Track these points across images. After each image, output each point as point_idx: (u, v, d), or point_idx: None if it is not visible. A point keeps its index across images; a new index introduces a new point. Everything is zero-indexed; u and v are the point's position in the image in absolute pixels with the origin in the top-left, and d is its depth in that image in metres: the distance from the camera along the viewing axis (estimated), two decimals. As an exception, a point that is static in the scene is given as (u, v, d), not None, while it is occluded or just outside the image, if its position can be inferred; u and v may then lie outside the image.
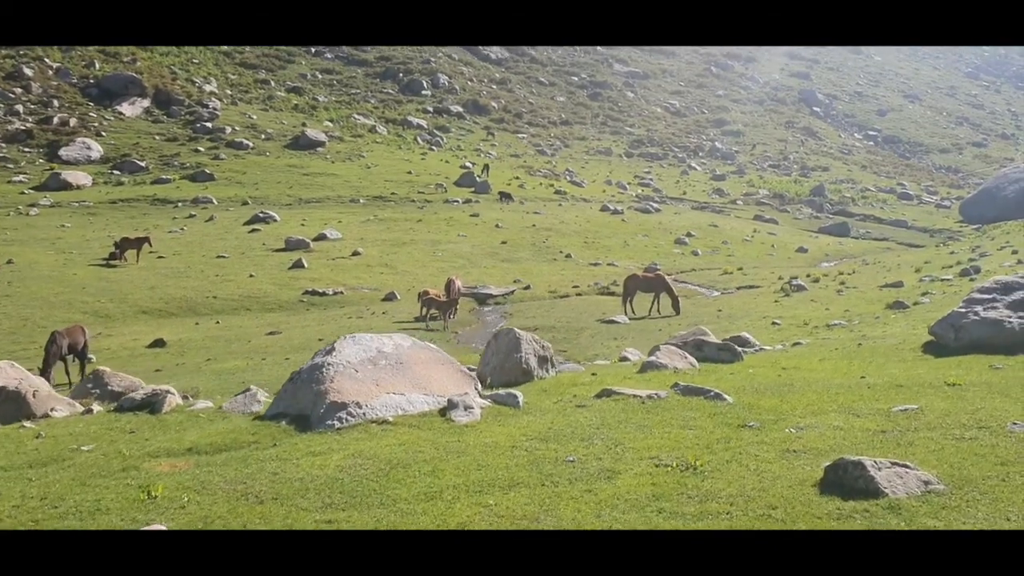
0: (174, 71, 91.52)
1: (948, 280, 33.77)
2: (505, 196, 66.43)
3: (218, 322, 29.92)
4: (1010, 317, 14.19)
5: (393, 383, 8.88)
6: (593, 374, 12.24)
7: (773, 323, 25.81)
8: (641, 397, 9.66)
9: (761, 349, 19.89)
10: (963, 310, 14.72)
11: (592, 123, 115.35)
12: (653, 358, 12.55)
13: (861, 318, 25.20)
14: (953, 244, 56.43)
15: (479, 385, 9.81)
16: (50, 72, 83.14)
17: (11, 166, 66.87)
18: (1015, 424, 7.91)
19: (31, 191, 61.49)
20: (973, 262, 39.15)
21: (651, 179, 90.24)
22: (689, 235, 57.16)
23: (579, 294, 37.03)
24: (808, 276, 39.37)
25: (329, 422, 8.33)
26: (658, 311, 31.03)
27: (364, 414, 8.40)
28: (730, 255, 52.39)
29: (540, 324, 28.00)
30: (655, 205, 69.82)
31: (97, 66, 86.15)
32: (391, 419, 8.41)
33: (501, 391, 9.58)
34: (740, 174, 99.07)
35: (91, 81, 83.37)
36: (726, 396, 9.65)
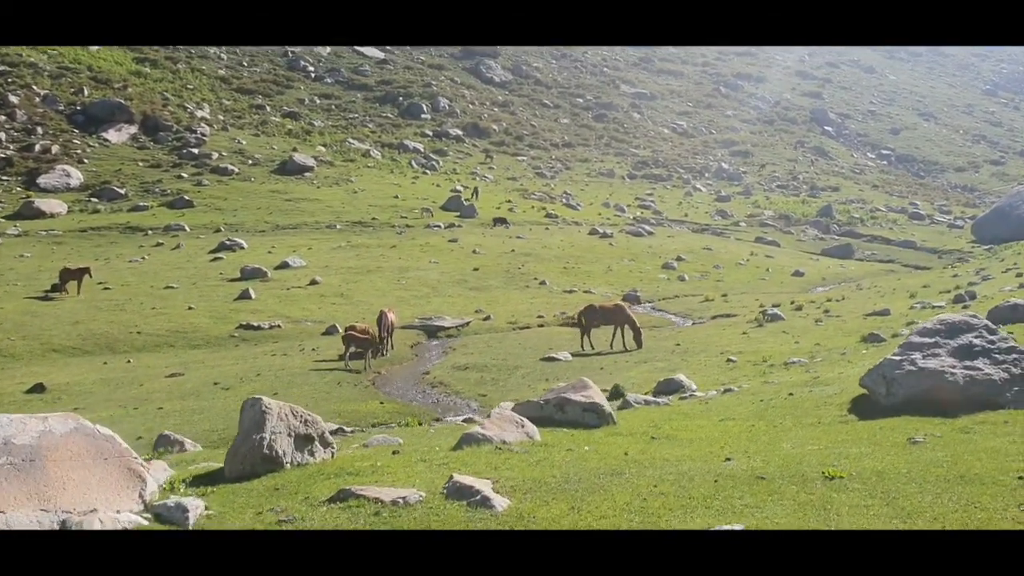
0: (166, 97, 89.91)
1: (940, 307, 30.73)
2: (500, 221, 63.83)
3: (129, 361, 27.44)
4: (953, 367, 11.30)
5: None
6: (395, 452, 9.55)
7: (729, 360, 22.97)
8: (383, 503, 6.98)
9: (692, 395, 17.26)
10: (898, 358, 11.84)
11: (596, 145, 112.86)
12: (477, 429, 9.83)
13: (827, 354, 22.32)
14: (959, 266, 53.20)
15: (150, 490, 7.14)
16: (37, 99, 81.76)
17: (-14, 195, 65.26)
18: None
19: (3, 220, 59.71)
20: (973, 286, 36.07)
21: (652, 201, 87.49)
22: (679, 259, 54.27)
23: (541, 325, 34.27)
24: (792, 303, 36.40)
25: None
26: (624, 345, 28.20)
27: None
28: (719, 280, 49.44)
29: (474, 362, 25.29)
30: (648, 228, 66.95)
31: (86, 93, 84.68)
32: (-45, 553, 5.76)
33: (171, 501, 6.91)
34: (746, 195, 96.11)
35: (78, 108, 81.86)
36: (498, 503, 6.94)
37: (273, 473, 8.31)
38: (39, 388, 22.38)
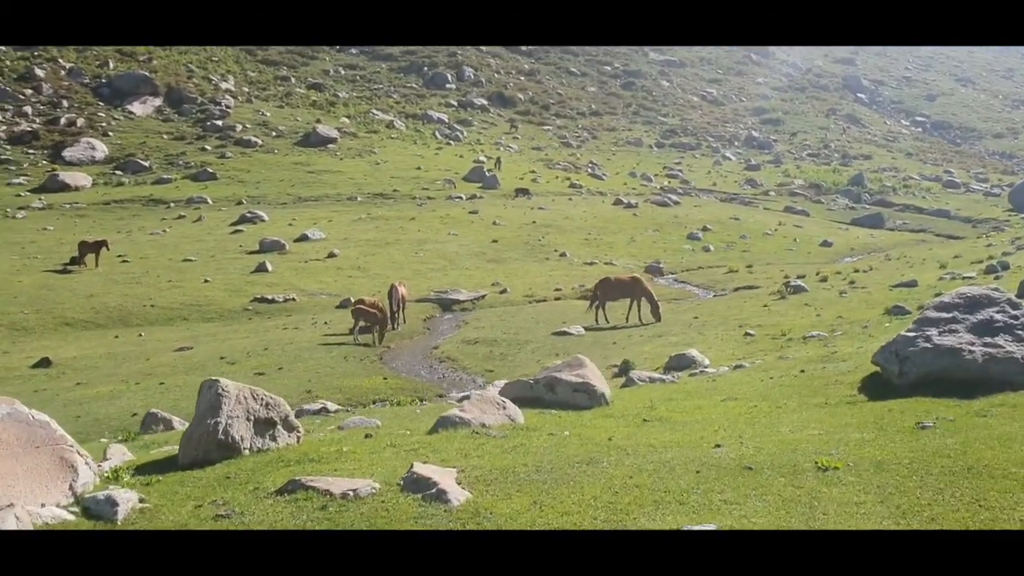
0: (190, 69, 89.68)
1: (971, 278, 29.70)
2: (522, 192, 63.16)
3: (141, 335, 27.26)
4: (972, 344, 10.54)
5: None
6: (367, 436, 9.02)
7: (746, 334, 22.23)
8: (332, 495, 6.47)
9: (702, 371, 16.62)
10: (912, 334, 11.08)
11: (624, 113, 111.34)
12: (454, 411, 9.27)
13: (849, 327, 21.47)
14: (994, 235, 51.69)
15: (82, 481, 6.67)
16: (62, 72, 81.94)
17: (13, 168, 65.44)
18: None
19: (28, 193, 59.91)
20: (1007, 256, 34.89)
21: (680, 170, 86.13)
22: (705, 229, 53.26)
23: (558, 298, 33.67)
24: (818, 274, 35.43)
25: None
26: (640, 319, 27.46)
27: None
28: (745, 250, 48.44)
29: (484, 336, 24.77)
30: (674, 198, 65.85)
31: (111, 66, 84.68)
32: None
33: (101, 494, 6.41)
34: (776, 164, 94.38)
35: (103, 81, 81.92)
36: (455, 496, 6.39)
37: (229, 460, 7.83)
38: (45, 362, 22.22)
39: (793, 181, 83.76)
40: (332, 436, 9.15)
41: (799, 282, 31.35)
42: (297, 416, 12.98)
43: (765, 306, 27.61)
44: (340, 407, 13.90)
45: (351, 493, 6.52)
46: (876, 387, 10.98)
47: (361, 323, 24.36)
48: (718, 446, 8.00)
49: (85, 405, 17.11)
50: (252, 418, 8.08)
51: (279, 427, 8.33)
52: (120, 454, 8.33)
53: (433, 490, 6.46)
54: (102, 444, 10.36)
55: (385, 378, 19.35)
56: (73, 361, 22.72)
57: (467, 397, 12.60)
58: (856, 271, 36.06)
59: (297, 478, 6.83)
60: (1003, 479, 6.41)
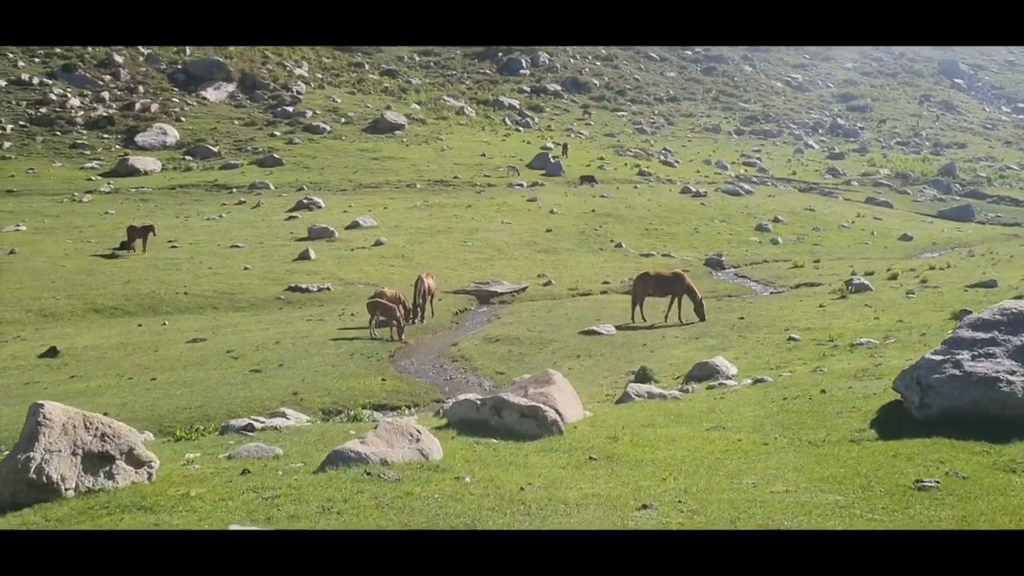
0: (265, 55, 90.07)
1: (1059, 280, 26.95)
2: (587, 179, 61.39)
3: (164, 324, 26.57)
4: (1012, 373, 8.51)
5: None
6: (244, 472, 7.56)
7: (790, 339, 20.17)
8: None
9: (721, 384, 14.85)
10: (938, 358, 9.10)
11: (703, 99, 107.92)
12: (352, 445, 7.70)
13: (906, 333, 19.21)
14: (1095, 231, 47.68)
15: None
16: (140, 59, 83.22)
17: (88, 152, 66.60)
18: None
19: (98, 177, 60.75)
20: (1104, 255, 31.73)
21: (759, 158, 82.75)
22: (776, 220, 50.53)
23: (604, 291, 31.92)
24: (888, 271, 32.77)
25: None
26: (680, 318, 25.43)
27: None
28: (817, 244, 45.71)
29: (508, 334, 23.22)
30: (746, 187, 62.94)
31: (188, 51, 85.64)
32: None
33: None
34: (862, 152, 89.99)
35: (178, 67, 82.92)
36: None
37: (43, 504, 6.52)
38: (52, 352, 21.60)
39: (879, 170, 79.59)
40: (196, 473, 7.73)
41: (863, 280, 28.88)
42: (222, 432, 11.73)
43: (821, 306, 25.36)
44: (261, 426, 12.27)
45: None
46: (892, 420, 9.09)
47: (378, 317, 23.12)
48: (645, 507, 6.31)
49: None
50: (81, 452, 6.77)
51: (120, 462, 6.99)
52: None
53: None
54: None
55: (384, 379, 18.01)
56: (82, 351, 22.05)
57: (376, 425, 11.07)
58: (931, 268, 33.29)
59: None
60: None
